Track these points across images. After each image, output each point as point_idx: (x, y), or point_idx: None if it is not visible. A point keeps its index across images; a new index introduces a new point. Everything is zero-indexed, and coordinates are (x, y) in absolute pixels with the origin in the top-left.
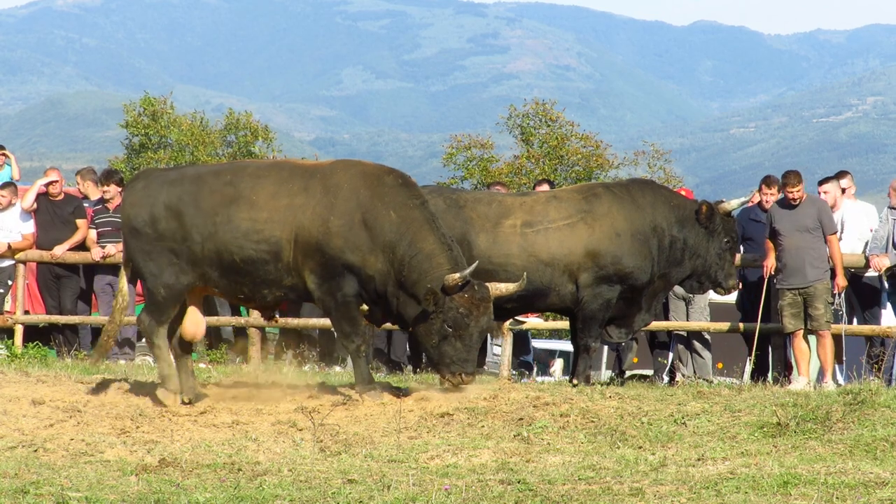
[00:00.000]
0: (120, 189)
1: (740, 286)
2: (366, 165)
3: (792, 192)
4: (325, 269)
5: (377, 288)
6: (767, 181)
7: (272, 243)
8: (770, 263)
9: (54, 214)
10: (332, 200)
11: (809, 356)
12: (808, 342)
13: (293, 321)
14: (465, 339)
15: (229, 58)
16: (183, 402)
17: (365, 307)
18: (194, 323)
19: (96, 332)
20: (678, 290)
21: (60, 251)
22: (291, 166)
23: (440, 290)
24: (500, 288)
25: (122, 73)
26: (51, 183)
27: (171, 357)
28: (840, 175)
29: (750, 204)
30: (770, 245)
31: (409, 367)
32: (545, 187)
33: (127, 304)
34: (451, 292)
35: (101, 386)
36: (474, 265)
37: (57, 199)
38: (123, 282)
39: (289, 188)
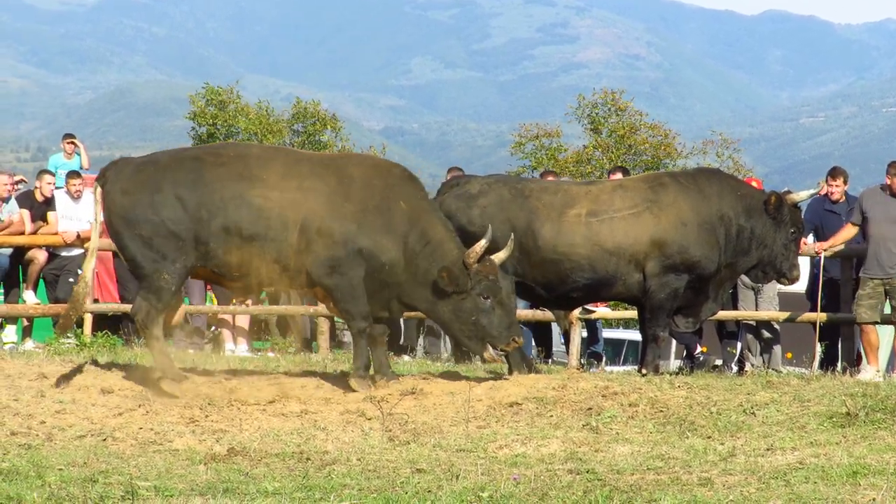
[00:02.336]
0: None
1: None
2: (376, 159)
3: (893, 181)
4: (334, 253)
5: (386, 277)
6: (833, 173)
7: (282, 222)
8: (826, 246)
9: None
10: (347, 189)
11: (878, 347)
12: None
13: None
14: (504, 303)
15: (297, 47)
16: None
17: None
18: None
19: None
20: (746, 279)
21: None
22: (297, 152)
23: (460, 267)
24: (494, 257)
25: (190, 63)
26: None
27: (167, 347)
28: None
29: (819, 195)
30: (848, 231)
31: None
32: (618, 175)
33: (91, 290)
34: (476, 262)
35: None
36: (489, 231)
37: None
38: (88, 268)
39: (298, 171)
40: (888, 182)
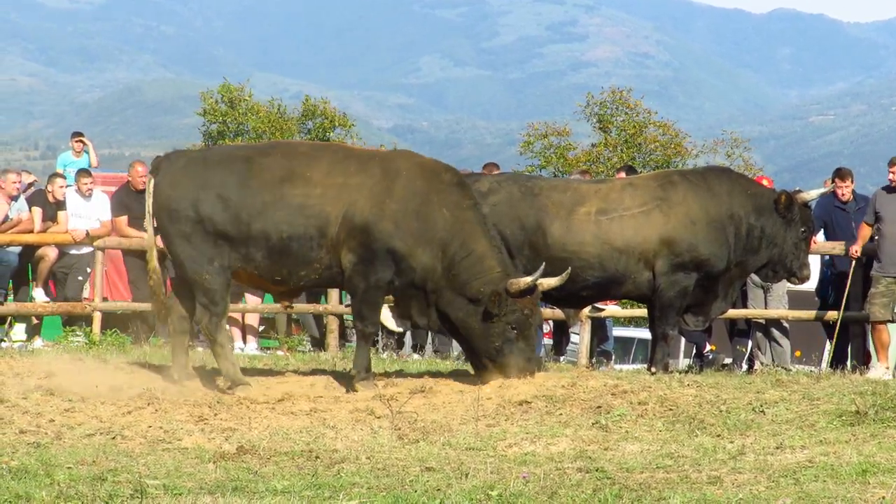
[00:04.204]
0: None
1: (829, 275)
2: (425, 159)
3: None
4: (366, 251)
5: (416, 281)
6: (840, 174)
7: (321, 219)
8: (857, 249)
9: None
10: (390, 185)
11: (889, 345)
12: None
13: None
14: (529, 338)
15: (306, 45)
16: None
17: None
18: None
19: None
20: (756, 278)
21: None
22: (347, 148)
23: (502, 290)
24: (544, 283)
25: (199, 61)
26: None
27: (233, 355)
28: None
29: (827, 193)
30: (865, 231)
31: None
32: (624, 174)
33: (161, 281)
34: (517, 296)
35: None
36: (542, 267)
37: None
38: (154, 262)
39: (344, 168)
40: (890, 178)
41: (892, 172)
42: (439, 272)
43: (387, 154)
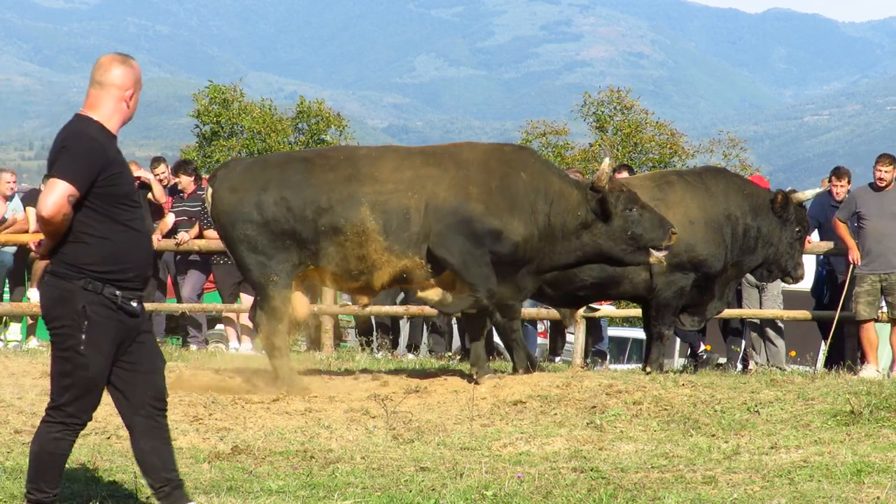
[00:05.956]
0: (192, 178)
1: (823, 274)
2: (485, 144)
3: (881, 173)
4: (461, 235)
5: (525, 255)
6: (837, 173)
7: (399, 213)
8: (856, 255)
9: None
10: (466, 172)
11: (878, 345)
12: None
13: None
14: (646, 206)
15: (301, 45)
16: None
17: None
18: (302, 304)
19: (171, 319)
20: (751, 277)
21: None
22: (407, 148)
23: (597, 189)
24: (605, 167)
25: (194, 60)
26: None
27: (289, 359)
28: None
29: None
30: (842, 229)
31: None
32: (624, 174)
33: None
34: (606, 185)
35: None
36: (606, 160)
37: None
38: None
39: (411, 162)
40: (876, 176)
41: (881, 171)
42: (537, 236)
43: (453, 148)
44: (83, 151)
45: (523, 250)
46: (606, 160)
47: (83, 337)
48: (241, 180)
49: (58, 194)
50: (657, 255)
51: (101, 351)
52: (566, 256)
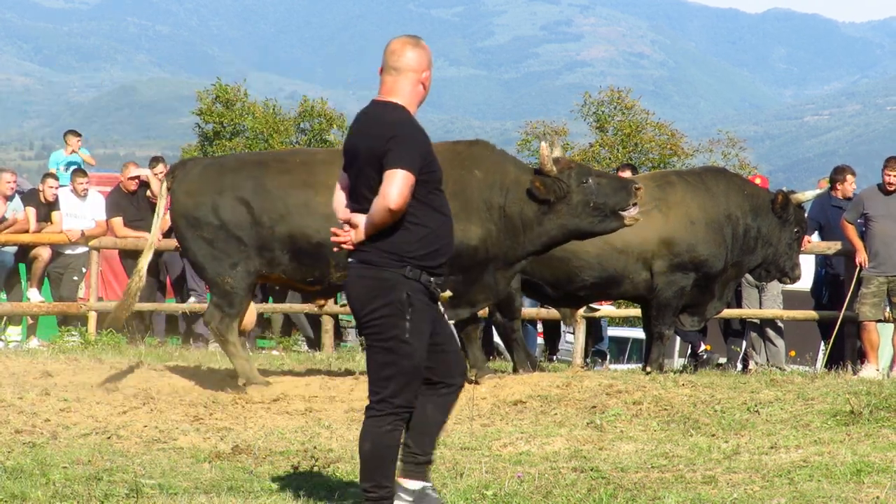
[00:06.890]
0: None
1: (823, 274)
2: (440, 144)
3: (890, 177)
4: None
5: (488, 255)
6: (840, 171)
7: None
8: (863, 257)
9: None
10: None
11: (879, 345)
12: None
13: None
14: (602, 174)
15: (302, 45)
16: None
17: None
18: (249, 312)
19: (170, 318)
20: (750, 278)
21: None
22: None
23: (543, 179)
24: (544, 149)
25: (194, 61)
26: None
27: (246, 351)
28: None
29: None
30: (850, 231)
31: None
32: (627, 173)
33: (142, 287)
34: (549, 166)
35: (175, 373)
36: (544, 142)
37: (136, 190)
38: (143, 264)
39: None
40: (885, 180)
41: (890, 175)
42: (495, 234)
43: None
44: (413, 139)
45: (484, 251)
46: (543, 143)
47: (407, 325)
48: (201, 182)
49: (404, 184)
50: (629, 215)
51: (423, 338)
52: (533, 244)
